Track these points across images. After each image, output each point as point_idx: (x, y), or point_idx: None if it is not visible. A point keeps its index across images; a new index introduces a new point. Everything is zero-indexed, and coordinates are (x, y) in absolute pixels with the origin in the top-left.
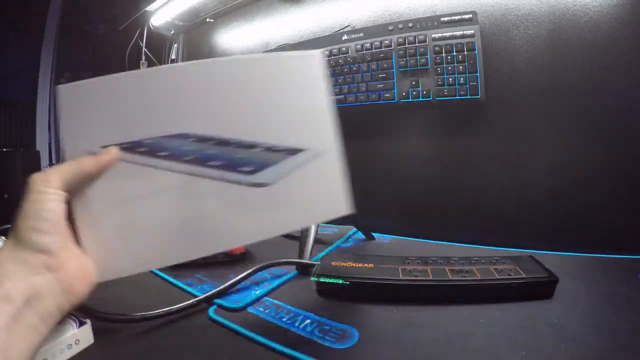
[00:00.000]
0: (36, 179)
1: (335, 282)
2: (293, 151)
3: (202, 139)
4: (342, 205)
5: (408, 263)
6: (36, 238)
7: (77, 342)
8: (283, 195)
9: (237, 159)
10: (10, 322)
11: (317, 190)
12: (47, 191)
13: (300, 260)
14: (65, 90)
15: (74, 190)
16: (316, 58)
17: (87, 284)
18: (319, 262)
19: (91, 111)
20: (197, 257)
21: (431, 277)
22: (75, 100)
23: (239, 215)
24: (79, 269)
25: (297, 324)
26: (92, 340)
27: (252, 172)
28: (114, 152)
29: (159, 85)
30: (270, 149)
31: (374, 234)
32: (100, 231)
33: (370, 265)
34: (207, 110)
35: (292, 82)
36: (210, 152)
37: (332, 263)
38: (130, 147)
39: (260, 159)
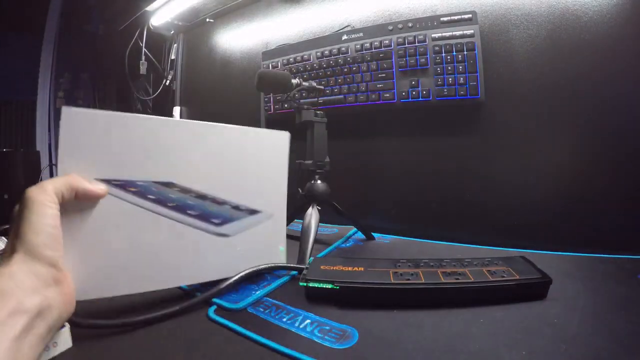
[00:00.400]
0: (34, 190)
1: (323, 286)
2: (253, 211)
3: (185, 190)
4: (281, 257)
5: (399, 266)
6: (49, 253)
7: (54, 344)
8: (238, 245)
9: (210, 212)
10: (22, 333)
11: (264, 243)
12: (47, 203)
13: (291, 265)
14: (69, 114)
15: (63, 206)
16: (285, 136)
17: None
18: (308, 266)
19: (91, 142)
20: (163, 288)
21: (423, 280)
22: (77, 127)
23: (202, 256)
24: (72, 283)
25: (297, 324)
26: (70, 344)
27: (219, 225)
28: (103, 190)
29: (159, 135)
30: (236, 207)
31: (374, 234)
32: (81, 252)
33: (360, 268)
34: (194, 166)
35: (264, 153)
36: (190, 202)
37: (321, 267)
38: (123, 185)
39: (228, 214)
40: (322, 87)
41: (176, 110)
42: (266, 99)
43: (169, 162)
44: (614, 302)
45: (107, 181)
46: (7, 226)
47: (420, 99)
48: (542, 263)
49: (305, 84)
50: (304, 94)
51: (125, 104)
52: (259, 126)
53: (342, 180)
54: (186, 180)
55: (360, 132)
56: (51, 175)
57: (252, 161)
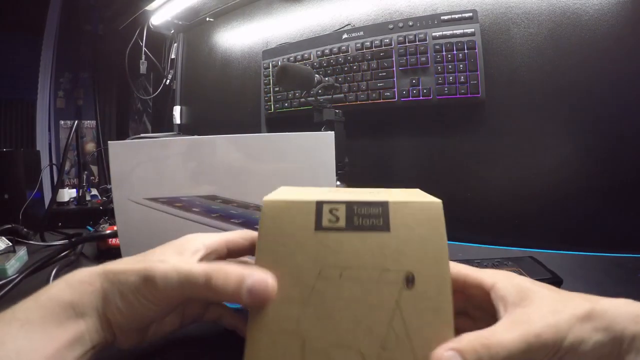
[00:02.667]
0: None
1: None
2: None
3: (227, 201)
4: None
5: None
6: None
7: None
8: None
9: (254, 220)
10: None
11: None
12: None
13: None
14: (115, 147)
15: None
16: (330, 137)
17: None
18: None
19: (137, 168)
20: None
21: None
22: (123, 158)
23: None
24: None
25: None
26: None
27: None
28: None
29: (198, 153)
30: None
31: None
32: None
33: None
34: (235, 177)
35: (308, 157)
36: (232, 211)
37: None
38: (169, 202)
39: None
40: (338, 84)
41: (176, 109)
42: (266, 98)
43: (210, 177)
44: None
45: (155, 199)
46: (7, 226)
47: (421, 97)
48: (546, 263)
49: (326, 80)
50: (320, 91)
51: (125, 103)
52: (259, 125)
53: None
54: (228, 191)
55: (361, 131)
56: (51, 175)
57: (295, 166)
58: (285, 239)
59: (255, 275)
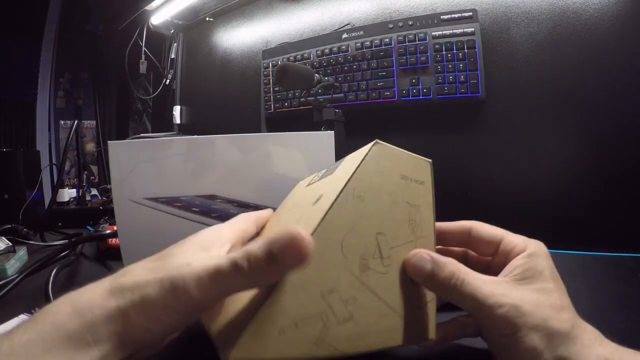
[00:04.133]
0: None
1: None
2: None
3: (228, 201)
4: None
5: None
6: None
7: None
8: None
9: None
10: None
11: None
12: None
13: None
14: (114, 147)
15: None
16: (330, 137)
17: None
18: None
19: (137, 168)
20: None
21: None
22: (122, 158)
23: None
24: None
25: None
26: None
27: None
28: None
29: (197, 153)
30: None
31: None
32: None
33: None
34: (235, 177)
35: (308, 156)
36: (232, 211)
37: None
38: (169, 201)
39: None
40: (338, 84)
41: (176, 109)
42: (266, 98)
43: (210, 176)
44: (615, 301)
45: (155, 199)
46: (7, 226)
47: (421, 97)
48: None
49: (326, 79)
50: (320, 91)
51: (125, 103)
52: (259, 125)
53: None
54: (228, 191)
55: (361, 130)
56: (51, 175)
57: (296, 165)
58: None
59: (283, 234)
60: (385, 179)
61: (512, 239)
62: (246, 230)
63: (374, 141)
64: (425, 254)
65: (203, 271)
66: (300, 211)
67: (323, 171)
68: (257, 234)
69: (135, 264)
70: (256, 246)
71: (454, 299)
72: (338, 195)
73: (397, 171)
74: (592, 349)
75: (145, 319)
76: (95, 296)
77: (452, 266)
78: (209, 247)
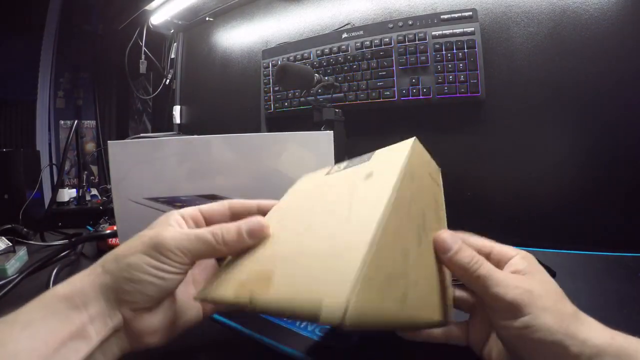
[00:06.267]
0: None
1: None
2: None
3: None
4: None
5: None
6: None
7: None
8: None
9: None
10: None
11: None
12: None
13: None
14: (114, 147)
15: None
16: (329, 137)
17: None
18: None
19: (137, 168)
20: None
21: None
22: (123, 157)
23: None
24: None
25: (298, 324)
26: None
27: None
28: None
29: (197, 153)
30: None
31: None
32: None
33: None
34: (235, 177)
35: (307, 156)
36: None
37: None
38: (169, 201)
39: None
40: (338, 84)
41: (176, 109)
42: (266, 97)
43: (210, 176)
44: (615, 300)
45: (155, 199)
46: (7, 226)
47: (421, 97)
48: (542, 260)
49: (326, 79)
50: (320, 91)
51: (125, 103)
52: (258, 124)
53: None
54: (228, 190)
55: (361, 130)
56: (51, 175)
57: (295, 165)
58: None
59: (251, 219)
60: (421, 170)
61: (501, 248)
62: (207, 209)
63: (413, 137)
64: (454, 234)
65: (180, 233)
66: (345, 186)
67: (344, 163)
68: (233, 217)
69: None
70: (232, 225)
71: (472, 280)
72: (402, 170)
73: (426, 168)
74: (598, 330)
75: (130, 282)
76: (87, 271)
77: (472, 251)
78: (171, 224)
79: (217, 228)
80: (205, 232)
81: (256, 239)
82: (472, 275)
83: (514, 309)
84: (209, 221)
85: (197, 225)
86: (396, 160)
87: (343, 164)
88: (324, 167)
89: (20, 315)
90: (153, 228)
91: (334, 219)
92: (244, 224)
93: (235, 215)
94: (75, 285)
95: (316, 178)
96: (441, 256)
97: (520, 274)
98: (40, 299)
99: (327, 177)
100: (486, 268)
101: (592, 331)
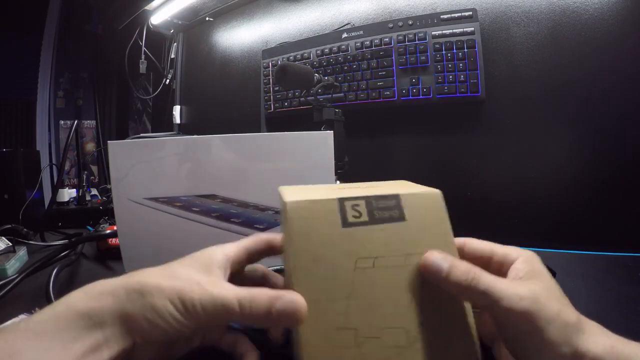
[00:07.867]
0: None
1: None
2: None
3: (227, 200)
4: None
5: None
6: None
7: None
8: None
9: (253, 218)
10: None
11: None
12: None
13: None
14: (114, 147)
15: None
16: (329, 136)
17: None
18: None
19: (136, 167)
20: None
21: None
22: (122, 157)
23: None
24: None
25: None
26: None
27: (263, 230)
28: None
29: (196, 153)
30: (278, 212)
31: None
32: None
33: None
34: (234, 177)
35: (306, 156)
36: (232, 211)
37: None
38: (169, 201)
39: (272, 219)
40: (338, 84)
41: (176, 109)
42: (266, 97)
43: (209, 176)
44: (615, 300)
45: (155, 199)
46: (7, 226)
47: (421, 96)
48: (542, 260)
49: (326, 79)
50: (320, 91)
51: (125, 103)
52: (258, 124)
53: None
54: (227, 190)
55: (361, 130)
56: (51, 175)
57: (295, 165)
58: (316, 238)
59: (286, 297)
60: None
61: (504, 250)
62: (250, 247)
63: (439, 192)
64: (439, 253)
65: (208, 297)
66: (394, 273)
67: (357, 191)
68: (269, 251)
69: (148, 269)
70: (263, 297)
71: (473, 296)
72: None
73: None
74: (598, 338)
75: (148, 317)
76: (108, 288)
77: (466, 265)
78: (210, 269)
79: (246, 296)
80: (233, 299)
81: (285, 325)
82: (473, 291)
83: (521, 319)
84: (251, 258)
85: (240, 266)
86: (444, 230)
87: (349, 194)
88: (322, 169)
89: (33, 324)
90: (193, 263)
91: (415, 315)
92: (278, 301)
93: (272, 250)
94: (93, 302)
95: (329, 218)
96: (433, 281)
97: (523, 280)
98: (56, 311)
99: (354, 233)
100: (485, 280)
101: (592, 342)
